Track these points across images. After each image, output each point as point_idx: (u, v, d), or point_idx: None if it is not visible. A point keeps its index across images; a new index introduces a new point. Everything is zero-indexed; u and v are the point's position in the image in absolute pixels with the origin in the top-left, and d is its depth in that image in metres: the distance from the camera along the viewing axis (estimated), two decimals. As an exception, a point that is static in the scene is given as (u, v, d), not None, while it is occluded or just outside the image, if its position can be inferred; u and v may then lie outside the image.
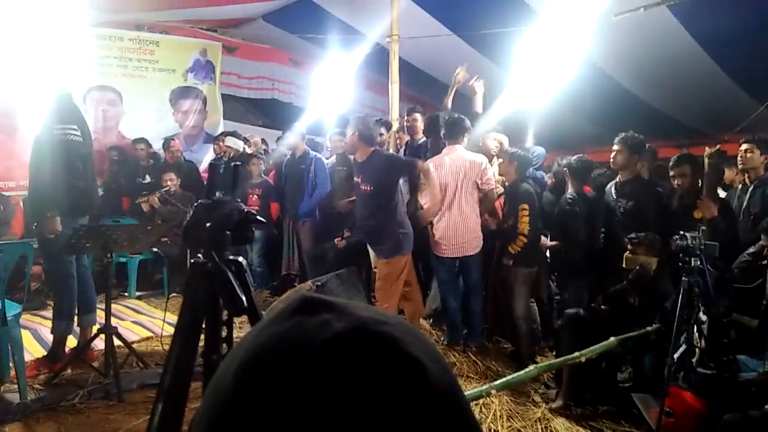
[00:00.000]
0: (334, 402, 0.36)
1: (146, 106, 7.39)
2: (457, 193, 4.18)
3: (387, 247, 4.03)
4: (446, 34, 6.21)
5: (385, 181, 3.95)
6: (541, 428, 3.06)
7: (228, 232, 1.16)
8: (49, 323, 4.66)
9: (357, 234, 4.99)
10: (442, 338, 4.46)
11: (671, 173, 3.96)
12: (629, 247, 3.37)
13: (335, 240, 5.41)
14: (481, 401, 3.11)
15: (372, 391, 0.37)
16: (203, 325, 1.23)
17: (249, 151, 6.50)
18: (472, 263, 4.27)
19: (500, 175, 4.52)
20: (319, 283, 4.56)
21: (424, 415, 0.38)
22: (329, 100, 6.99)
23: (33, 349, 4.00)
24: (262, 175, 6.19)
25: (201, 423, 0.41)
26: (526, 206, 4.01)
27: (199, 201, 1.20)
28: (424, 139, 5.17)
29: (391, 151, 5.27)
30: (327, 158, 6.03)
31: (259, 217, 1.23)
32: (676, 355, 2.70)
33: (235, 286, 1.10)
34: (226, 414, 0.39)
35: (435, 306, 4.86)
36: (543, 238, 4.13)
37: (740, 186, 4.09)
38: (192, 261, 1.19)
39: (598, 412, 3.24)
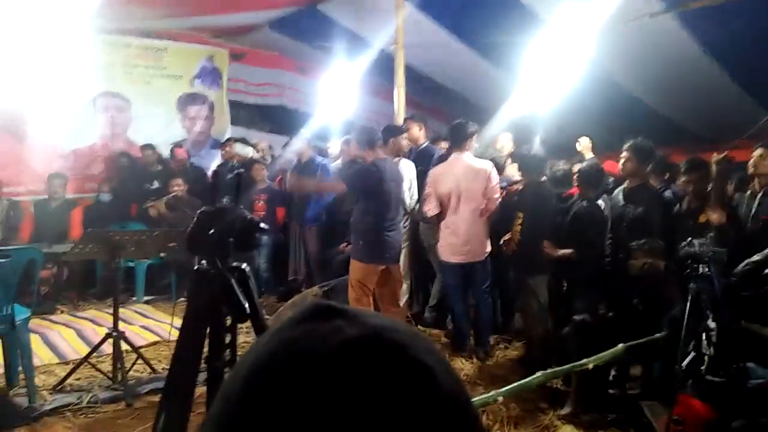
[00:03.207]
0: (344, 407, 0.36)
1: (154, 112, 7.43)
2: (461, 199, 4.18)
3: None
4: (454, 42, 6.21)
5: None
6: (548, 435, 3.04)
7: (231, 239, 1.16)
8: (59, 327, 4.72)
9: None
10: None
11: (682, 177, 3.91)
12: (632, 253, 3.37)
13: (341, 245, 5.41)
14: (488, 408, 3.10)
15: (382, 397, 0.37)
16: (207, 331, 1.24)
17: (255, 156, 6.51)
18: (478, 270, 4.25)
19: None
20: (326, 288, 4.56)
21: (433, 422, 0.38)
22: (335, 106, 7.00)
23: (42, 354, 4.02)
24: (267, 181, 6.20)
25: (210, 427, 0.41)
26: (520, 215, 4.04)
27: (203, 208, 1.20)
28: (427, 143, 5.29)
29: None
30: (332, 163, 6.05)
31: (262, 224, 1.23)
32: (684, 363, 2.68)
33: (238, 292, 1.10)
34: (236, 417, 0.39)
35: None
36: (548, 244, 4.05)
37: (749, 192, 4.05)
38: (195, 268, 1.19)
39: (607, 419, 3.21)
